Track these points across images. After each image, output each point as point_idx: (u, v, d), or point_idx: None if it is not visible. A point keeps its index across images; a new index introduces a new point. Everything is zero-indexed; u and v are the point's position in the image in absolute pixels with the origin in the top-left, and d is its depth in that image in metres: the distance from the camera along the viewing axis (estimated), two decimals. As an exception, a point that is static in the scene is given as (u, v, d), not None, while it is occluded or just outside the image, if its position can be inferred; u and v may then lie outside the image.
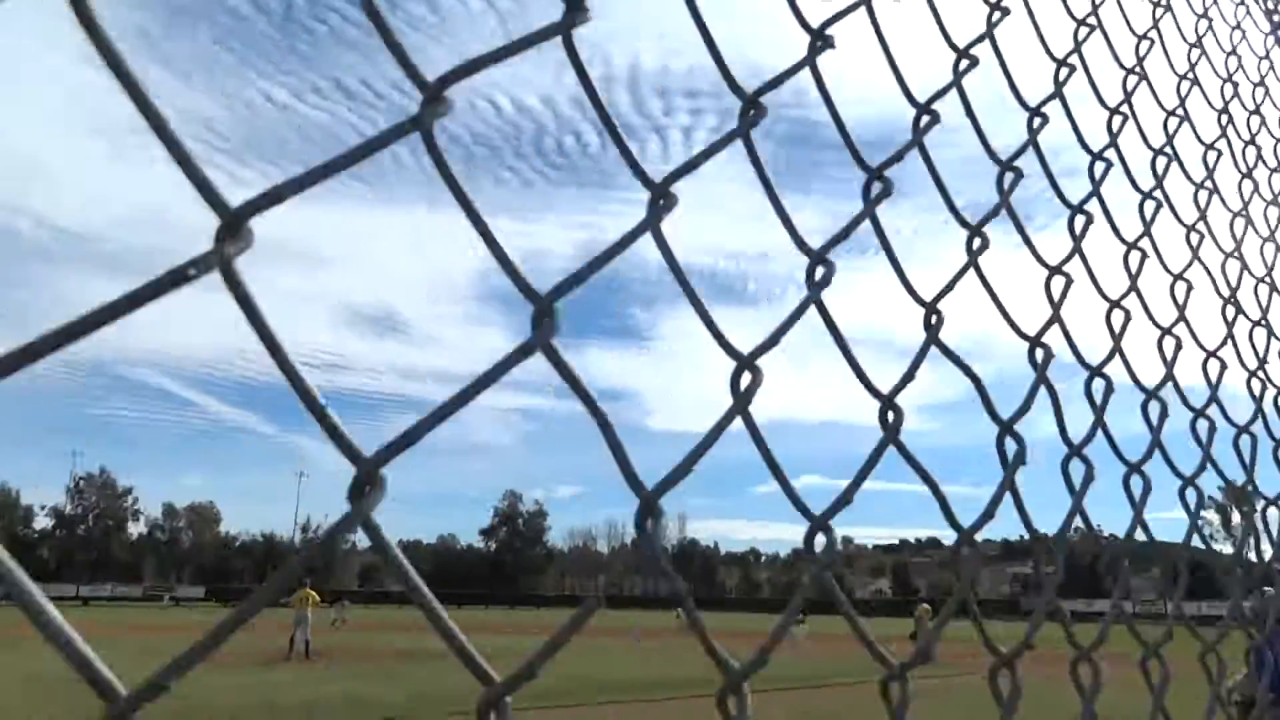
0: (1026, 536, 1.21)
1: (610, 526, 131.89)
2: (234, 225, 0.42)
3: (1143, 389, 1.40)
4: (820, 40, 0.90)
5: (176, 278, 0.40)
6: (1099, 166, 1.41)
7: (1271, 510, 1.74)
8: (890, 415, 0.94)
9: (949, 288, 1.05)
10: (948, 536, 1.12)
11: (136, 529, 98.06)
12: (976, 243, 1.12)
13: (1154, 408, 1.42)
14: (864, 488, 0.91)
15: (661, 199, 0.76)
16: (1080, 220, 1.34)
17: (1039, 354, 1.19)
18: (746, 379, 0.79)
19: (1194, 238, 1.61)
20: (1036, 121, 1.28)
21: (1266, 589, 1.71)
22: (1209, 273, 1.65)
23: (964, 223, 1.13)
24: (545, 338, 0.50)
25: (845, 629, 0.93)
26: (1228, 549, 1.64)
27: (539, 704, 13.83)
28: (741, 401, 0.78)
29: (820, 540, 0.80)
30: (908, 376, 0.97)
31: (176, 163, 0.43)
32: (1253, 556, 1.70)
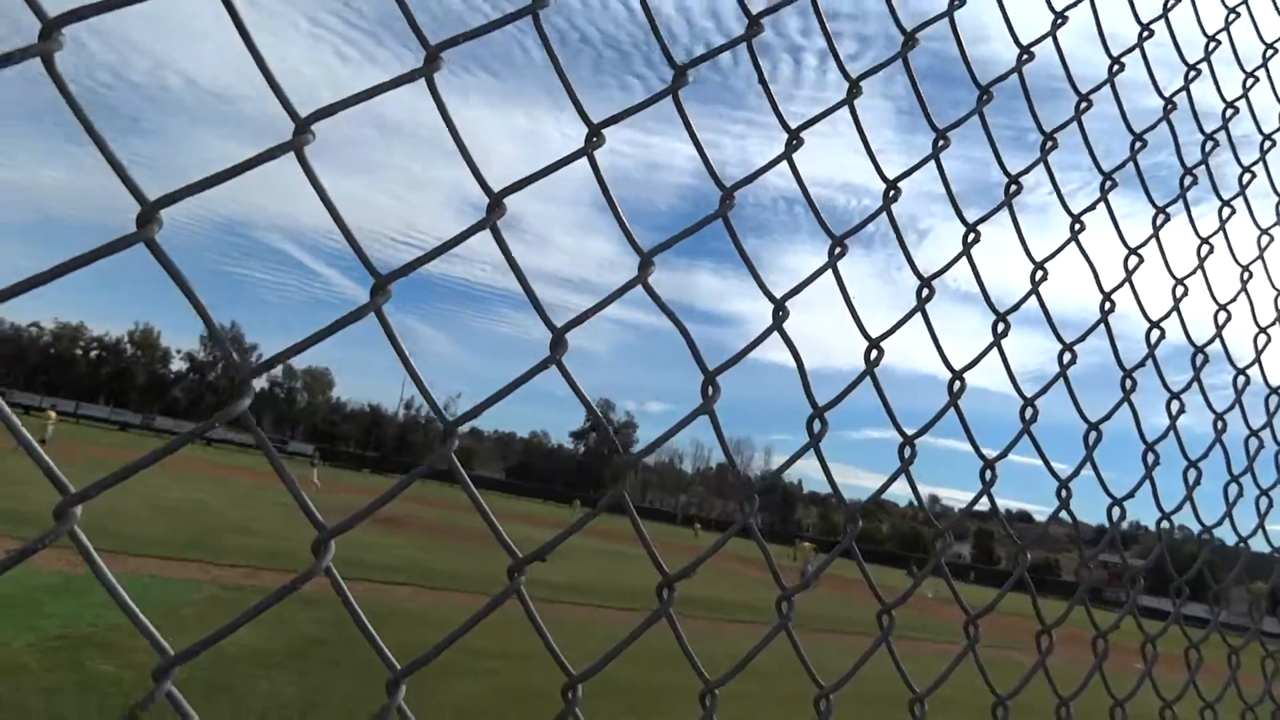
0: (1124, 525, 1.15)
1: (696, 448, 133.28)
2: (150, 214, 0.52)
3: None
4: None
5: (115, 247, 0.52)
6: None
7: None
8: (955, 385, 0.92)
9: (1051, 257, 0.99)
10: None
11: (258, 384, 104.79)
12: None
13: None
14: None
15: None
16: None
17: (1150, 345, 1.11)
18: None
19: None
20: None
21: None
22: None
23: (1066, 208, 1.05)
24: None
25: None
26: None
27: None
28: (778, 335, 0.76)
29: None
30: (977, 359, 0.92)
31: (109, 164, 0.52)
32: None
